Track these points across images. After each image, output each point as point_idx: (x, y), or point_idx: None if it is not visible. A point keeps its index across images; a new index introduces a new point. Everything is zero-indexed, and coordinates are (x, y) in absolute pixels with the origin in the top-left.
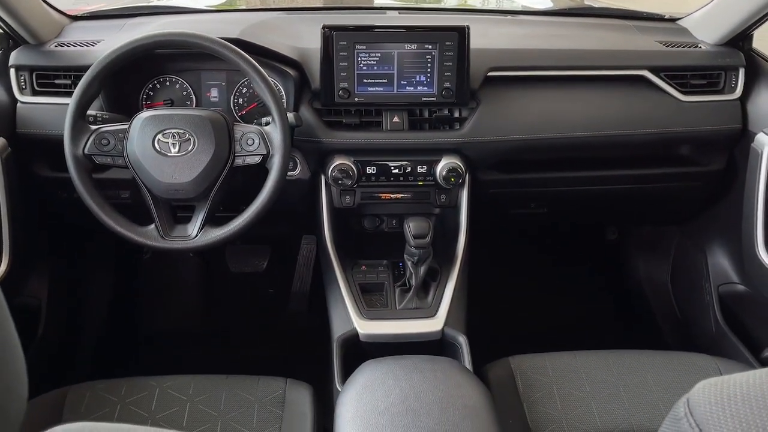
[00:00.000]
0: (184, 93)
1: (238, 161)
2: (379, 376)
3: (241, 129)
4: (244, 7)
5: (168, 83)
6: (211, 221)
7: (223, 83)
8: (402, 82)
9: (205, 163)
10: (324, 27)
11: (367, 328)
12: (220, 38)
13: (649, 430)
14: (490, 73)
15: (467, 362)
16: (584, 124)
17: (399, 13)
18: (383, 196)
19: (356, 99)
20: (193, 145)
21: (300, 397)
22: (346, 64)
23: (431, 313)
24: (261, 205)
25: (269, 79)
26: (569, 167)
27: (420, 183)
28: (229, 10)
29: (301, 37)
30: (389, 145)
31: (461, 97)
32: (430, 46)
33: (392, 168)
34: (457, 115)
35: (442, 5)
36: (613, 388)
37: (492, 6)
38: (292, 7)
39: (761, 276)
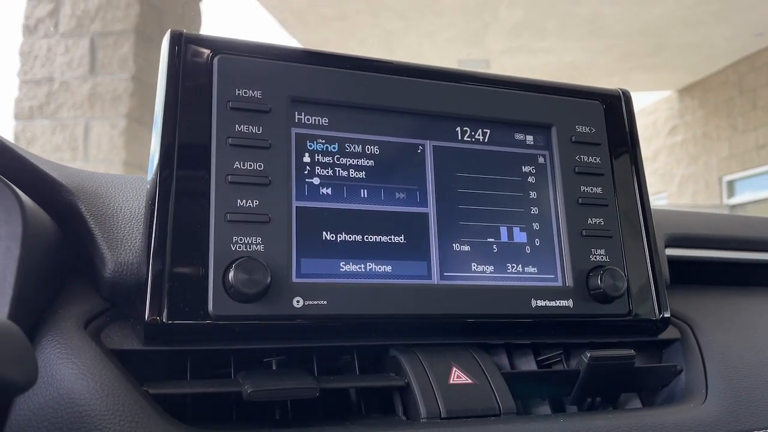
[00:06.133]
0: None
1: None
2: None
3: None
4: None
5: None
6: None
7: None
8: (456, 248)
9: None
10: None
11: None
12: None
13: None
14: (672, 251)
15: None
16: None
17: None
18: None
19: (298, 303)
20: None
21: None
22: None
23: None
24: None
25: None
26: None
27: None
28: None
29: None
30: None
31: (656, 299)
32: (529, 139)
33: None
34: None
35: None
36: None
37: None
38: None
39: None
